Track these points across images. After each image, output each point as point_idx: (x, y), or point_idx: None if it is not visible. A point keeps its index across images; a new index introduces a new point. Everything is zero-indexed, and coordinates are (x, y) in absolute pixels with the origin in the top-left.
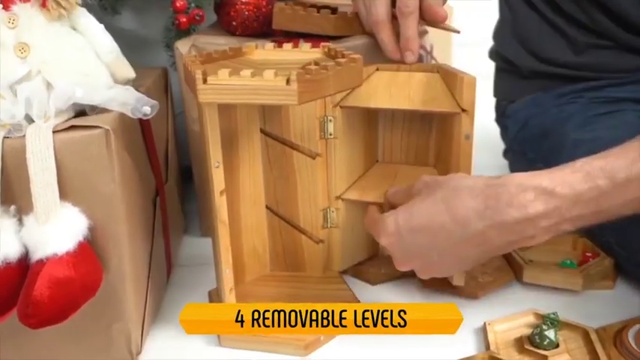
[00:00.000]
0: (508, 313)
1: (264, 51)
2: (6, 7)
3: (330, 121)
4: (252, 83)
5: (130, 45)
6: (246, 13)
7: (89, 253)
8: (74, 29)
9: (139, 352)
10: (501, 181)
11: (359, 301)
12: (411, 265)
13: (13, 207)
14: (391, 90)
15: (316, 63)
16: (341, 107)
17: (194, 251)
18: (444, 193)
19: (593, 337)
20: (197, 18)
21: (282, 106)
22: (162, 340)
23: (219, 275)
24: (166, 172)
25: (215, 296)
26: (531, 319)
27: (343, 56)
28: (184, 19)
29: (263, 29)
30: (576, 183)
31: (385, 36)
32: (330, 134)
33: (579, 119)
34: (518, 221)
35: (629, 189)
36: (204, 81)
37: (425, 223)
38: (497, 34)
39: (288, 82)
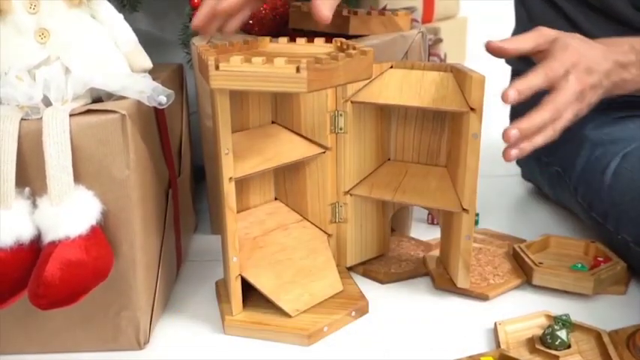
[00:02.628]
0: (519, 315)
1: (277, 44)
2: None
3: (341, 115)
4: (263, 70)
5: (146, 43)
6: (263, 12)
7: (101, 238)
8: (94, 17)
9: (146, 342)
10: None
11: (364, 297)
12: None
13: (27, 189)
14: (402, 87)
15: (327, 55)
16: (352, 102)
17: (204, 248)
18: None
19: (606, 339)
20: None
21: (293, 99)
22: (169, 330)
23: (226, 263)
24: (179, 167)
25: (222, 286)
26: (543, 320)
27: (354, 49)
28: None
29: (279, 28)
30: None
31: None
32: (341, 129)
33: (597, 122)
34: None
35: None
36: (217, 67)
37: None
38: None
39: (298, 69)
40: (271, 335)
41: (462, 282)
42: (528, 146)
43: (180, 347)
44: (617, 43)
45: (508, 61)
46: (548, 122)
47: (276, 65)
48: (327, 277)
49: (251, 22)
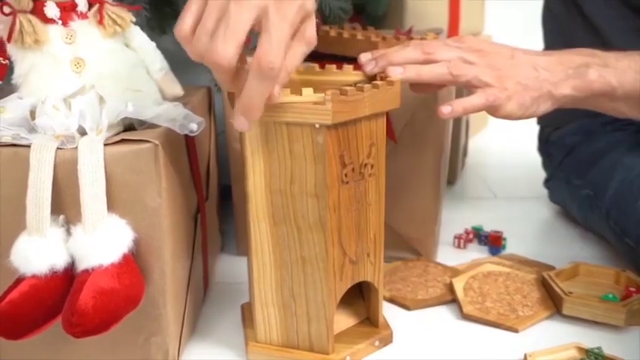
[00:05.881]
0: (549, 346)
1: (306, 71)
2: (65, 24)
3: None
4: (289, 100)
5: (174, 65)
6: None
7: (133, 266)
8: (127, 46)
9: None
10: None
11: (389, 327)
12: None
13: (62, 217)
14: None
15: (355, 84)
16: None
17: (230, 269)
18: None
19: None
20: None
21: None
22: (197, 356)
23: (252, 289)
24: (207, 190)
25: (247, 310)
26: (574, 352)
27: (382, 79)
28: None
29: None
30: None
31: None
32: None
33: (629, 145)
34: None
35: None
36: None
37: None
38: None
39: (323, 102)
40: None
41: None
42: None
43: None
44: (575, 51)
45: None
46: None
47: (303, 96)
48: (353, 304)
49: None
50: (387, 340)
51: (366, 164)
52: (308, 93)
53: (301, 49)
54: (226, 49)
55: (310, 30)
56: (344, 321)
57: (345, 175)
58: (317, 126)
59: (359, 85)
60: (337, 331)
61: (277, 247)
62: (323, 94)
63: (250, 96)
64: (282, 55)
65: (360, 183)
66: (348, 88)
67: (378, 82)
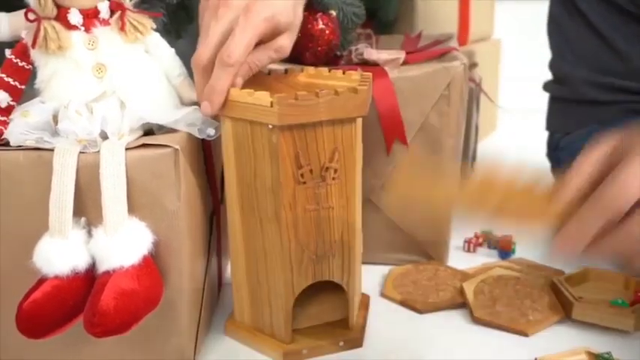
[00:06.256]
0: (558, 350)
1: (316, 74)
2: (87, 30)
3: None
4: (246, 101)
5: (190, 69)
6: (320, 50)
7: (152, 267)
8: (147, 52)
9: None
10: None
11: (362, 330)
12: None
13: (83, 219)
14: None
15: (335, 90)
16: None
17: None
18: None
19: None
20: None
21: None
22: (211, 356)
23: (232, 270)
24: (222, 193)
25: None
26: (583, 357)
27: (361, 85)
28: None
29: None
30: None
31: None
32: None
33: None
34: None
35: None
36: None
37: None
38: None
39: (271, 104)
40: (256, 345)
41: None
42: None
43: None
44: None
45: (546, 88)
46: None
47: (255, 97)
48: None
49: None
50: (354, 343)
51: (327, 168)
52: (260, 95)
53: (268, 54)
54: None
55: (282, 41)
56: (320, 316)
57: (302, 175)
58: (270, 126)
59: (318, 90)
60: (307, 325)
61: (246, 236)
62: (274, 97)
63: (213, 82)
64: (241, 50)
65: (320, 185)
66: (302, 92)
67: (340, 89)
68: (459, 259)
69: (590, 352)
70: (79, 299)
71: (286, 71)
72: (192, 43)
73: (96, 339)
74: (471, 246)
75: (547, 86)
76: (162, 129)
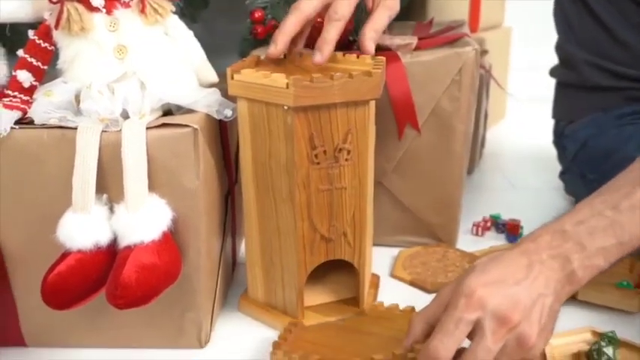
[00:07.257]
0: (564, 329)
1: (331, 58)
2: (109, 12)
3: None
4: (262, 82)
5: (205, 52)
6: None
7: (171, 243)
8: (166, 34)
9: (207, 341)
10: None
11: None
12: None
13: (105, 196)
14: None
15: (350, 73)
16: None
17: None
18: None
19: None
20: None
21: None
22: (227, 331)
23: (246, 248)
24: (236, 173)
25: None
26: (588, 336)
27: (375, 68)
28: (261, 29)
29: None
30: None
31: (290, 22)
32: None
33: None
34: None
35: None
36: (232, 77)
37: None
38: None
39: (287, 85)
40: (268, 320)
41: None
42: None
43: (237, 347)
44: (576, 214)
45: (552, 73)
46: None
47: (271, 79)
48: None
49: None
50: None
51: (341, 149)
52: (276, 77)
53: (385, 13)
54: None
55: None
56: (331, 294)
57: (316, 156)
58: (285, 108)
59: (332, 73)
60: (320, 302)
61: (260, 215)
62: (289, 79)
63: (324, 34)
64: (345, 7)
65: (333, 166)
66: (317, 75)
67: (354, 72)
68: (467, 243)
69: (595, 332)
70: (101, 273)
71: (301, 55)
72: (206, 28)
73: (113, 314)
74: (479, 230)
75: (554, 72)
76: (181, 109)
